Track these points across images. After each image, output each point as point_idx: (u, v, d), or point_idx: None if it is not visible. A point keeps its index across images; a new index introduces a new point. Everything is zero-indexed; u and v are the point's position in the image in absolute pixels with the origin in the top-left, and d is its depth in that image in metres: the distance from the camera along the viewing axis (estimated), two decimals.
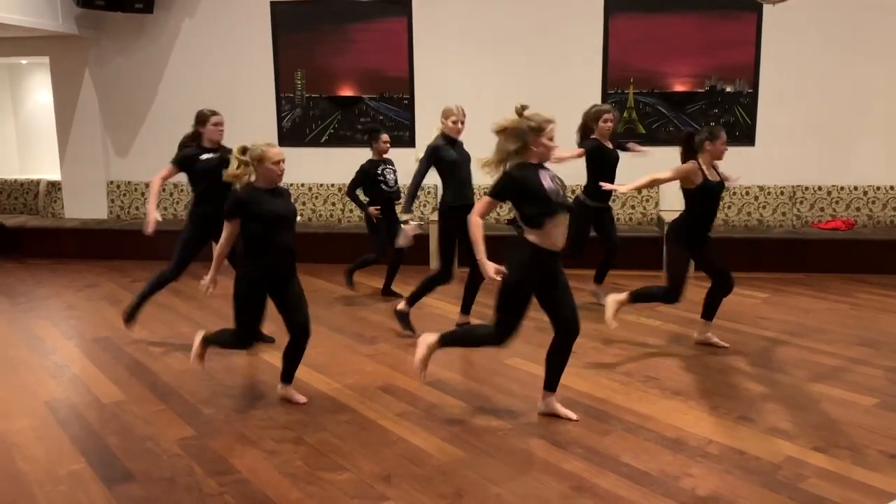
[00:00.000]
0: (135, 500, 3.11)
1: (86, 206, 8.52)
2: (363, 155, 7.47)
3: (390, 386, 4.35)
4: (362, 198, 6.24)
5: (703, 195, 4.64)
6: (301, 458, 3.45)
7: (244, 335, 4.01)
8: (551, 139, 3.60)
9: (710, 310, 4.91)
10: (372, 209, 6.13)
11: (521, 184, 3.56)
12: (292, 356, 4.07)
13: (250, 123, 7.98)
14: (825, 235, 7.12)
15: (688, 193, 4.69)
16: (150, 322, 5.73)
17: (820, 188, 7.46)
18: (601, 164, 5.71)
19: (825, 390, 4.20)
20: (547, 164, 3.69)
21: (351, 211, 8.06)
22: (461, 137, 5.24)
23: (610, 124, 5.74)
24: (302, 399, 4.12)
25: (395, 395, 4.21)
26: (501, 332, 3.67)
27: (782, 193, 7.47)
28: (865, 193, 7.38)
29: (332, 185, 8.05)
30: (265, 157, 3.82)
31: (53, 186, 8.74)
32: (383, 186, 6.16)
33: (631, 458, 3.41)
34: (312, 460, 3.43)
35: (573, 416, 3.85)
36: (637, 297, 4.87)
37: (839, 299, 6.16)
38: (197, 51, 8.14)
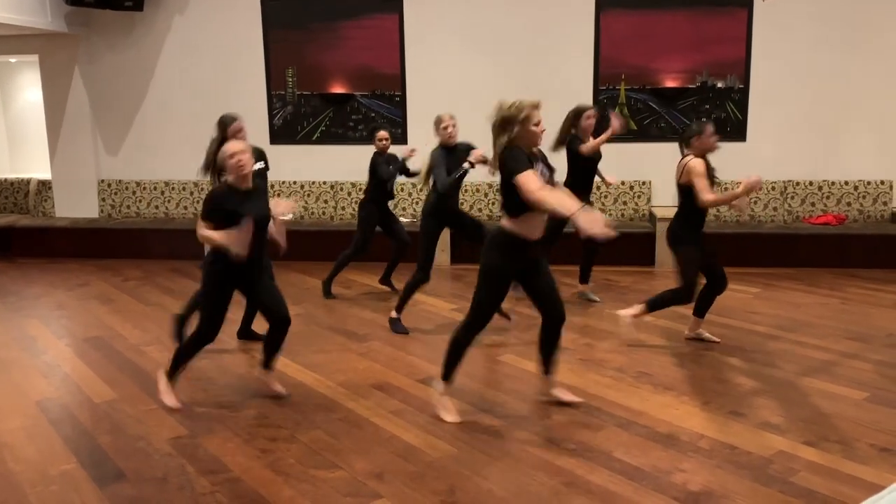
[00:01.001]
0: (127, 499, 3.10)
1: (76, 204, 8.48)
2: (356, 152, 7.47)
3: (383, 383, 4.35)
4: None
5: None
6: (294, 457, 3.45)
7: (209, 328, 3.89)
8: (538, 123, 3.53)
9: (702, 307, 4.92)
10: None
11: (524, 158, 3.49)
12: (271, 344, 4.10)
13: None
14: (816, 230, 7.15)
15: (686, 190, 4.57)
16: (141, 321, 5.71)
17: (811, 183, 7.49)
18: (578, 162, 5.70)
19: (816, 384, 4.22)
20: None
21: (343, 209, 8.05)
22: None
23: (592, 121, 5.73)
24: (281, 390, 4.15)
25: (387, 393, 4.20)
26: (474, 319, 3.76)
27: (773, 189, 7.49)
28: (856, 188, 7.42)
29: (325, 183, 8.03)
30: (223, 154, 3.81)
31: (44, 185, 8.70)
32: (386, 184, 6.09)
33: (623, 454, 3.42)
34: (305, 458, 3.43)
35: (575, 398, 3.95)
36: (653, 306, 4.79)
37: (830, 294, 6.19)
38: (187, 48, 8.11)
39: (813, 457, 3.35)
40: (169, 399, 4.04)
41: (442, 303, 6.10)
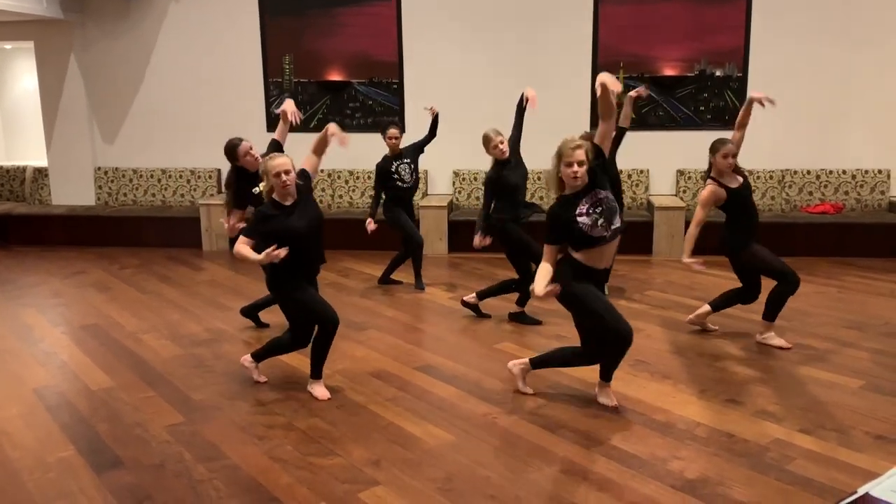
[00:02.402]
0: (124, 486, 3.10)
1: (73, 192, 8.46)
2: (354, 140, 7.40)
3: (381, 371, 4.35)
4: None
5: (735, 203, 4.54)
6: (291, 444, 3.45)
7: (303, 336, 3.99)
8: (571, 164, 3.46)
9: (721, 305, 4.86)
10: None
11: (558, 223, 3.56)
12: (326, 347, 4.05)
13: (238, 109, 7.94)
14: (813, 219, 7.15)
15: (722, 207, 4.58)
16: (138, 309, 5.70)
17: (808, 172, 7.48)
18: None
19: (812, 373, 4.23)
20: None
21: (341, 197, 8.03)
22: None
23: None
24: (326, 395, 4.03)
25: (385, 381, 4.21)
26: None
27: (771, 177, 7.49)
28: (854, 177, 7.41)
29: (322, 171, 8.01)
30: (268, 171, 3.80)
31: (40, 173, 8.67)
32: (398, 183, 5.97)
33: (620, 442, 3.43)
34: (303, 446, 3.43)
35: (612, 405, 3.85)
36: (771, 315, 4.70)
37: (827, 283, 6.20)
38: (183, 35, 8.06)
39: (809, 444, 3.37)
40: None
41: (440, 291, 6.10)
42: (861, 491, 1.32)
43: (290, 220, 3.82)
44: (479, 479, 3.11)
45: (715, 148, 4.57)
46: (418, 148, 6.09)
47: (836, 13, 7.21)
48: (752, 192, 4.74)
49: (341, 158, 7.96)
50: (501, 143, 5.03)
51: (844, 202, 7.41)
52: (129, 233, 8.04)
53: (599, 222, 3.49)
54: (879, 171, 7.39)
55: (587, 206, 3.50)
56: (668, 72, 7.46)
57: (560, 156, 3.50)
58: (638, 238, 7.21)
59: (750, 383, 4.11)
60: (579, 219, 3.49)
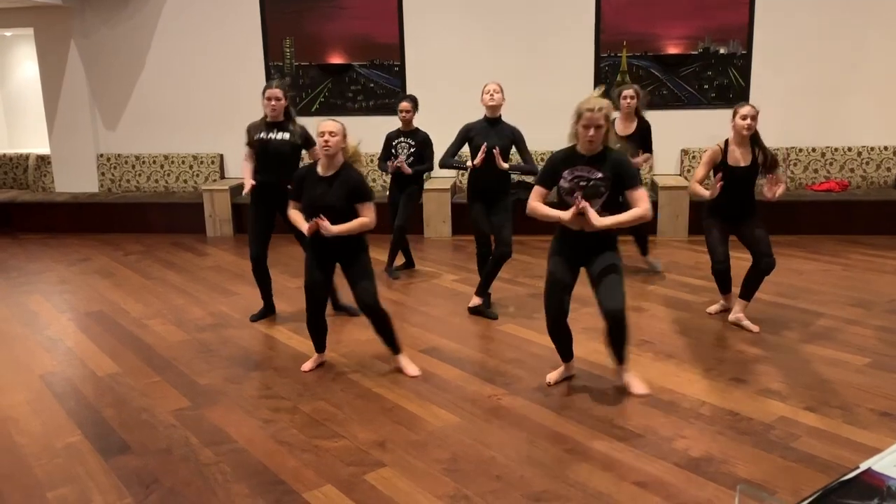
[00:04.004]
0: (131, 471, 3.12)
1: (76, 179, 8.46)
2: (355, 123, 7.37)
3: (385, 354, 4.35)
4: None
5: (724, 176, 4.45)
6: (297, 427, 3.47)
7: (305, 283, 4.03)
8: (588, 127, 3.34)
9: (745, 289, 4.68)
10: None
11: (549, 169, 3.58)
12: (376, 330, 4.07)
13: (240, 93, 7.90)
14: (819, 197, 7.11)
15: (716, 171, 4.52)
16: (143, 295, 5.72)
17: (814, 149, 7.43)
18: None
19: (817, 351, 4.22)
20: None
21: None
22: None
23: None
24: (413, 372, 4.04)
25: (389, 363, 4.21)
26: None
27: (776, 155, 7.43)
28: (859, 154, 7.36)
29: None
30: (318, 129, 3.83)
31: (43, 160, 8.66)
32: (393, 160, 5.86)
33: (624, 421, 3.43)
34: (308, 429, 3.45)
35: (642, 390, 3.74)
36: (723, 290, 4.85)
37: (831, 260, 6.18)
38: (183, 19, 8.01)
39: (814, 422, 3.37)
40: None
41: (444, 273, 6.10)
42: (863, 466, 1.31)
43: (313, 188, 3.87)
44: (485, 460, 3.13)
45: (735, 110, 4.52)
46: (426, 145, 5.88)
47: None
48: (751, 180, 4.55)
49: None
50: (490, 96, 4.81)
51: (850, 179, 7.37)
52: (132, 219, 8.04)
53: (575, 193, 3.44)
54: (885, 148, 7.34)
55: (576, 174, 3.48)
56: (672, 50, 7.40)
57: (578, 115, 3.39)
58: None
59: (754, 362, 4.10)
60: (562, 181, 3.53)
